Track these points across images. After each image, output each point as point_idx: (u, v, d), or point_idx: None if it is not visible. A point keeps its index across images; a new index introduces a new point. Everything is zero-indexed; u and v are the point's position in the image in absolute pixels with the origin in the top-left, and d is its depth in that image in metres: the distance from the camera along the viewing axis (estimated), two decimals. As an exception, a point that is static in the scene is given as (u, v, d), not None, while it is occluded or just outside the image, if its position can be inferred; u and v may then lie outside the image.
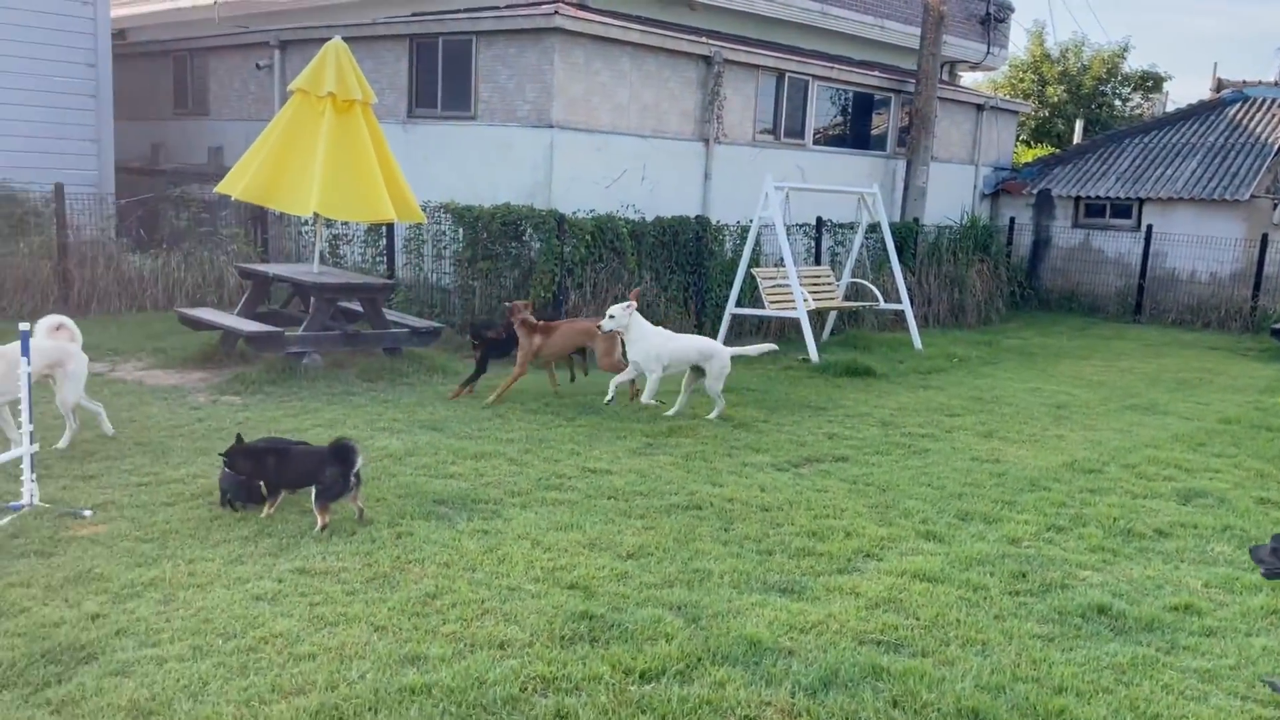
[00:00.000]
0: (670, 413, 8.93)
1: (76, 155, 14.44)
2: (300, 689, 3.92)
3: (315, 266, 10.93)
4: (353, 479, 5.75)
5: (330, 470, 5.69)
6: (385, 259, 13.50)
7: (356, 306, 10.67)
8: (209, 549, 5.35)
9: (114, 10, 15.94)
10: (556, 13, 13.01)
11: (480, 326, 9.77)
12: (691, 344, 9.16)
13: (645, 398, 9.00)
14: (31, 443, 5.82)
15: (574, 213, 12.37)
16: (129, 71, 17.80)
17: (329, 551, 5.38)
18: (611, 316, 8.87)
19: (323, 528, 5.63)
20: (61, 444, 7.06)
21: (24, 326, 5.90)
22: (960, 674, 4.30)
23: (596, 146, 13.85)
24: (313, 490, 5.73)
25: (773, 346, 9.78)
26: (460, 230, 12.61)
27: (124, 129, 15.95)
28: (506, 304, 9.97)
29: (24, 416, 5.79)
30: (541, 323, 9.48)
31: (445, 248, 13.05)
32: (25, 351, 5.78)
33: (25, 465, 5.83)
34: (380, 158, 10.13)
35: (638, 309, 9.06)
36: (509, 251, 12.20)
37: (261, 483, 5.89)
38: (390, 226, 13.17)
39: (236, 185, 10.03)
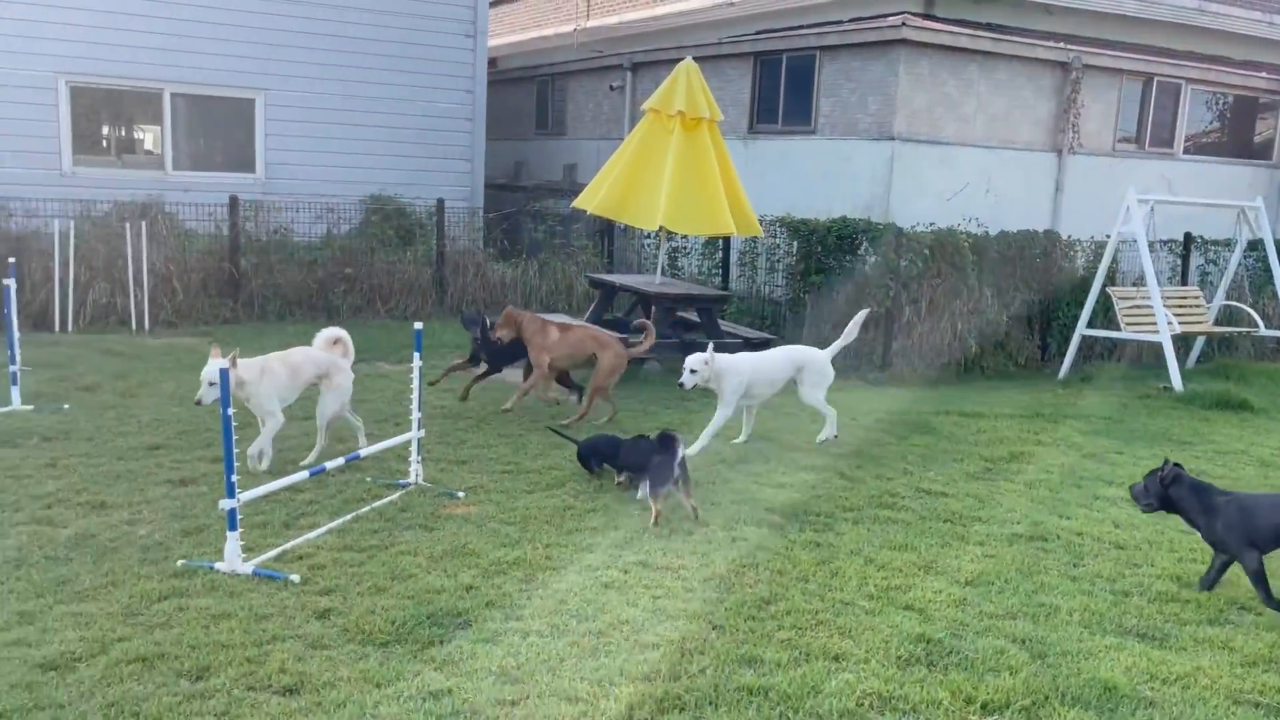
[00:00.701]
0: (740, 440, 8.12)
1: (454, 173, 16.09)
2: (646, 675, 4.15)
3: (657, 277, 11.47)
4: (676, 469, 6.01)
5: (657, 458, 6.06)
6: (720, 271, 13.90)
7: (693, 316, 11.07)
8: (563, 536, 5.78)
9: (489, 41, 17.62)
10: (904, 24, 12.81)
11: (469, 320, 9.04)
12: (778, 357, 8.10)
13: (706, 439, 7.63)
14: (419, 429, 6.58)
15: (912, 226, 12.11)
16: (497, 96, 19.59)
17: (669, 549, 5.64)
18: (693, 371, 7.52)
19: (656, 518, 5.94)
20: (310, 457, 7.02)
21: (419, 326, 6.66)
22: (1362, 754, 3.78)
23: (938, 159, 13.48)
24: (645, 483, 6.13)
25: (864, 313, 8.45)
26: (794, 243, 12.73)
27: (491, 148, 17.55)
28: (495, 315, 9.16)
29: (414, 405, 6.55)
30: (556, 323, 8.88)
31: (779, 261, 13.23)
32: (419, 347, 6.52)
33: (413, 448, 6.61)
34: (724, 173, 10.47)
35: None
36: (843, 265, 12.15)
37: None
38: (727, 240, 13.55)
39: (591, 201, 10.74)
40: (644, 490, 6.16)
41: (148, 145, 15.36)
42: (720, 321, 11.07)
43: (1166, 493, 5.37)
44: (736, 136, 14.82)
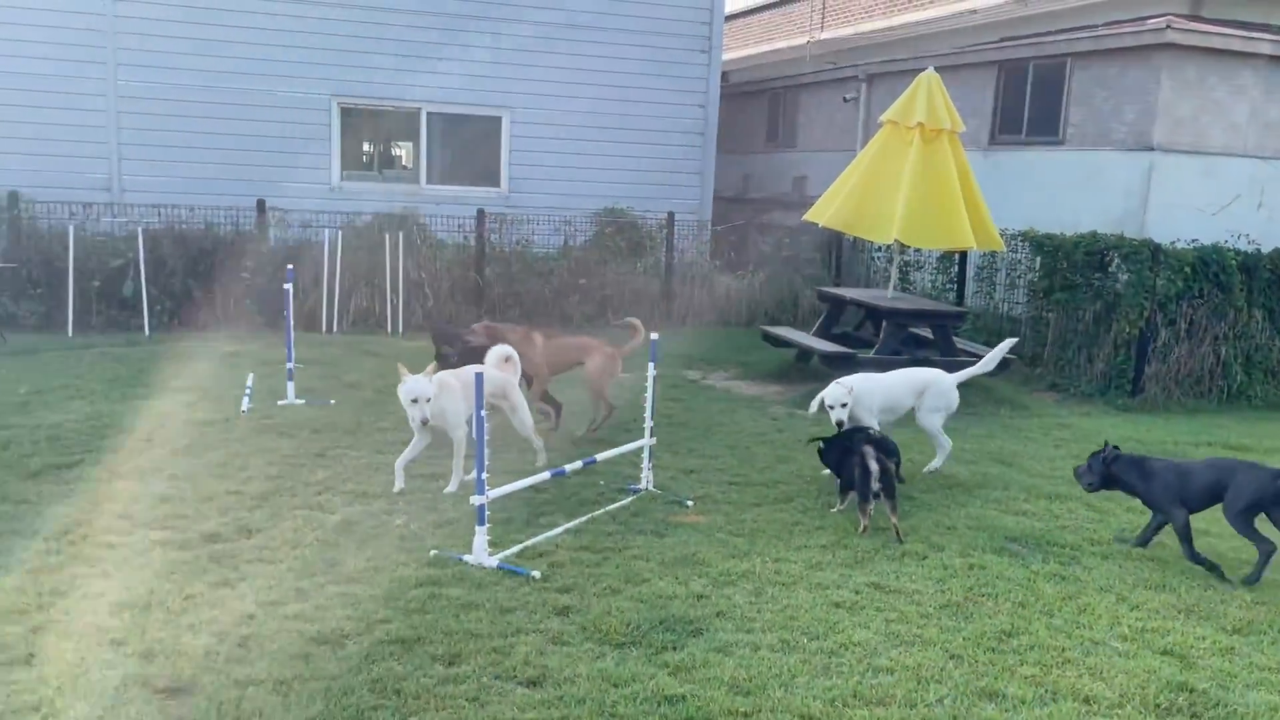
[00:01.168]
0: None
1: (684, 186, 16.36)
2: (880, 700, 4.08)
3: (889, 292, 11.23)
4: (875, 484, 5.89)
5: (858, 471, 6.04)
6: (955, 286, 13.44)
7: (926, 332, 10.76)
8: (792, 551, 5.76)
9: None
10: (1168, 27, 11.98)
11: (445, 334, 8.24)
12: (903, 378, 7.51)
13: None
14: (651, 436, 6.74)
15: (1171, 242, 11.27)
16: (727, 109, 19.75)
17: (902, 572, 5.51)
18: (843, 405, 6.84)
19: (863, 530, 5.98)
20: (539, 461, 7.03)
21: (655, 336, 6.83)
22: None
23: (1202, 170, 12.49)
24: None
25: (1010, 341, 7.93)
26: (1038, 259, 12.12)
27: (720, 161, 17.70)
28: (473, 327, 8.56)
29: (646, 413, 6.72)
30: (540, 331, 8.43)
31: (1020, 277, 12.64)
32: (653, 356, 6.68)
33: (645, 455, 6.77)
34: (964, 186, 10.13)
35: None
36: (1090, 283, 11.46)
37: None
38: (963, 254, 13.09)
39: (823, 214, 10.65)
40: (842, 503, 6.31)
41: (404, 161, 16.50)
42: (956, 339, 10.70)
43: (1108, 470, 6.04)
44: (976, 148, 14.29)
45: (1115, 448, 6.15)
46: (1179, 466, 6.00)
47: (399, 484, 6.54)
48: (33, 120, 13.42)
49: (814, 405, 7.11)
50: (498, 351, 7.05)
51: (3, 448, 7.08)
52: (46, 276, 12.19)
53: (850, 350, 10.39)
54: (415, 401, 6.23)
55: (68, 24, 13.52)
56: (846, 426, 6.79)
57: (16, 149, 13.20)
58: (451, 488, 6.52)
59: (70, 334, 11.79)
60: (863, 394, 7.01)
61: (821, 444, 6.73)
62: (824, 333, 11.33)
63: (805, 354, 11.07)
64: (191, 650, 4.24)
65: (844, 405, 6.84)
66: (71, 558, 5.21)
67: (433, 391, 6.27)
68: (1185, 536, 5.80)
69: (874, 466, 5.99)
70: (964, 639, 4.68)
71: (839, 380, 7.02)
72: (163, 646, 4.25)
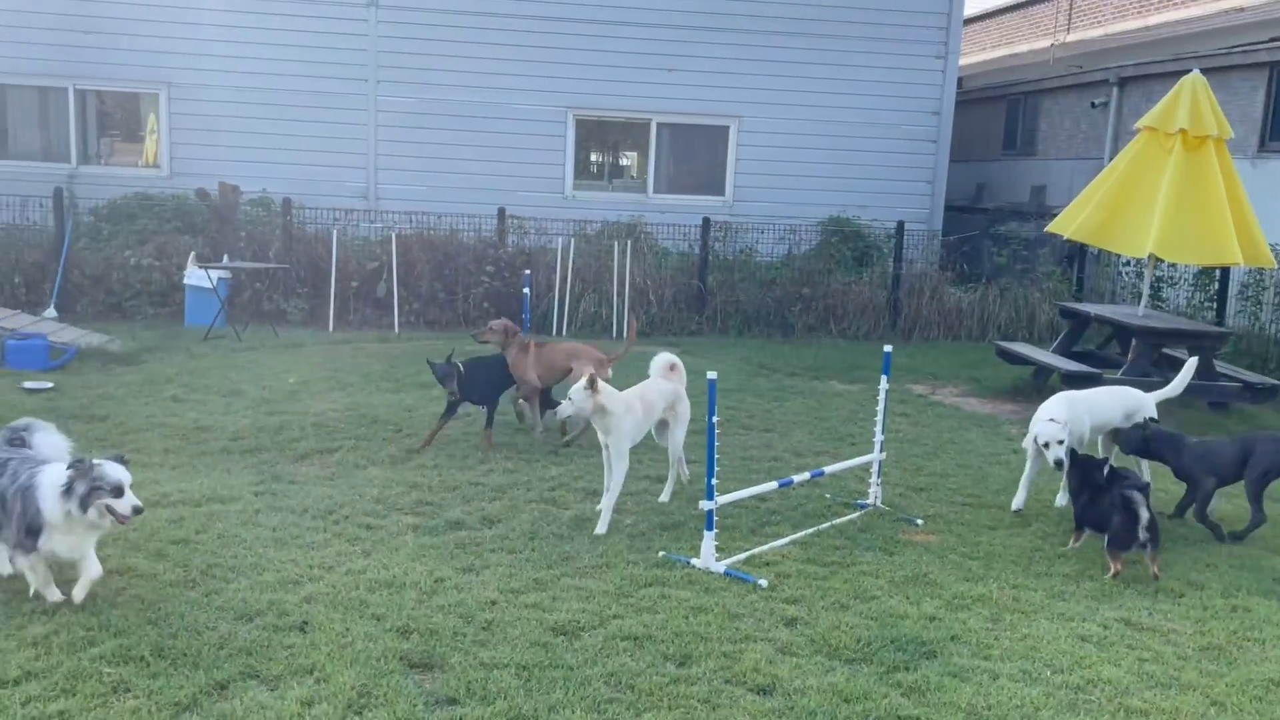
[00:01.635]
0: (1017, 505, 6.68)
1: (914, 195, 15.94)
2: (1134, 743, 3.83)
3: (1140, 309, 10.52)
4: (1142, 533, 5.46)
5: (1118, 517, 5.55)
6: (1214, 305, 12.42)
7: (1181, 354, 9.99)
8: (1032, 579, 5.50)
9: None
10: None
11: (443, 373, 7.65)
12: (1113, 396, 7.02)
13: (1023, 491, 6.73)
14: (880, 451, 6.61)
15: None
16: (961, 116, 19.06)
17: (1155, 608, 5.15)
18: (1058, 443, 6.24)
19: (1114, 574, 5.52)
20: (663, 497, 6.61)
21: (887, 349, 6.69)
22: None
23: None
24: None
25: (1195, 361, 7.41)
26: (1314, 277, 11.03)
27: (952, 169, 17.11)
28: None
29: (877, 427, 6.59)
30: (533, 341, 7.98)
31: (1292, 296, 11.54)
32: (886, 369, 6.54)
33: (874, 470, 6.65)
34: (1231, 197, 9.36)
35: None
36: (1379, 304, 10.33)
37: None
38: (1225, 271, 12.09)
39: (1069, 225, 10.11)
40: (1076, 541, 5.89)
41: (632, 170, 16.91)
42: (1216, 362, 9.88)
43: (1146, 444, 6.60)
44: (1243, 156, 13.15)
45: (1155, 421, 6.79)
46: (1208, 444, 6.68)
47: (601, 528, 5.98)
48: (304, 134, 14.69)
49: (1028, 444, 6.64)
50: (662, 360, 6.68)
51: (276, 432, 7.78)
52: (312, 277, 13.29)
53: (1094, 369, 9.80)
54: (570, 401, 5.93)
55: (336, 44, 14.72)
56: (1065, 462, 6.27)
57: (290, 159, 14.48)
58: (600, 528, 5.91)
59: (331, 330, 12.82)
60: (1072, 419, 6.48)
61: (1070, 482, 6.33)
62: (1064, 350, 10.75)
63: (1043, 372, 10.54)
64: (442, 630, 4.51)
65: (1060, 443, 6.27)
66: (335, 535, 5.66)
67: (586, 400, 5.87)
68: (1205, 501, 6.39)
69: (1144, 515, 5.55)
70: (1227, 685, 4.32)
71: (1051, 417, 6.44)
72: (416, 624, 4.55)
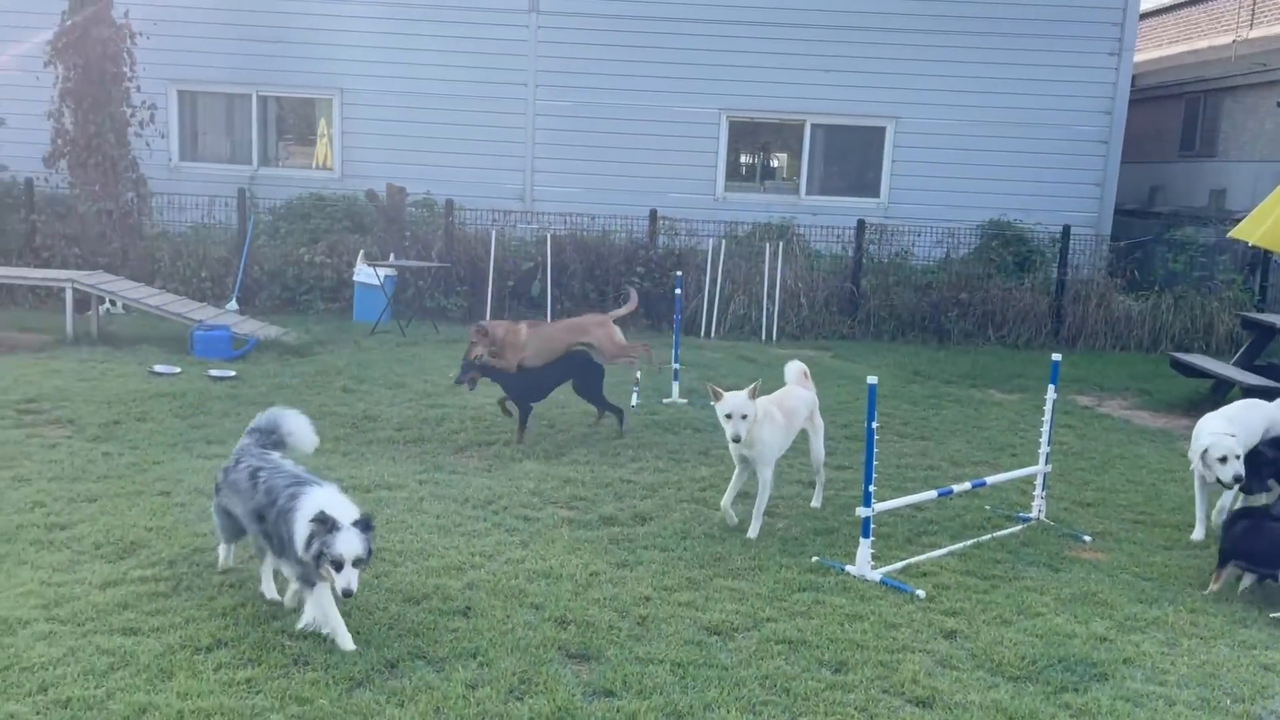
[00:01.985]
0: (1197, 537, 6.09)
1: (1081, 198, 15.28)
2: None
3: (1334, 321, 9.80)
4: None
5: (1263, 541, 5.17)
6: None
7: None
8: (1210, 603, 5.20)
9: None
10: None
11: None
12: (1256, 413, 6.48)
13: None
14: (1046, 463, 6.37)
15: None
16: (1134, 115, 18.15)
17: (1352, 643, 4.78)
18: (1236, 458, 5.80)
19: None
20: (815, 503, 6.51)
21: (1057, 357, 6.43)
22: None
23: None
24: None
25: None
26: None
27: (1123, 171, 16.32)
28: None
29: (1043, 439, 6.35)
30: (527, 321, 7.35)
31: None
32: (1054, 379, 6.30)
33: (1038, 483, 6.41)
34: None
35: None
36: None
37: None
38: None
39: (1253, 231, 9.47)
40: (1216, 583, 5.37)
41: (783, 172, 16.79)
42: None
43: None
44: None
45: None
46: None
47: (730, 520, 6.02)
48: (466, 138, 15.20)
49: (1194, 456, 6.13)
50: (797, 367, 6.44)
51: (437, 424, 8.08)
52: (471, 276, 13.72)
53: (1278, 384, 9.18)
54: (730, 417, 5.67)
55: (497, 50, 15.17)
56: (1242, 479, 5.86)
57: (452, 163, 15.02)
58: (752, 532, 5.86)
59: (486, 327, 13.19)
60: (1242, 432, 6.07)
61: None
62: (1246, 362, 10.11)
63: (1222, 385, 9.94)
64: (598, 622, 4.60)
65: (1238, 457, 5.84)
66: (495, 525, 5.84)
67: (753, 410, 5.70)
68: None
69: None
70: None
71: (1225, 431, 5.99)
72: (574, 615, 4.65)
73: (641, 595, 4.95)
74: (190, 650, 4.14)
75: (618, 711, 3.84)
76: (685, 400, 9.35)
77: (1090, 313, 13.63)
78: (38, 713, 3.65)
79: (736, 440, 5.74)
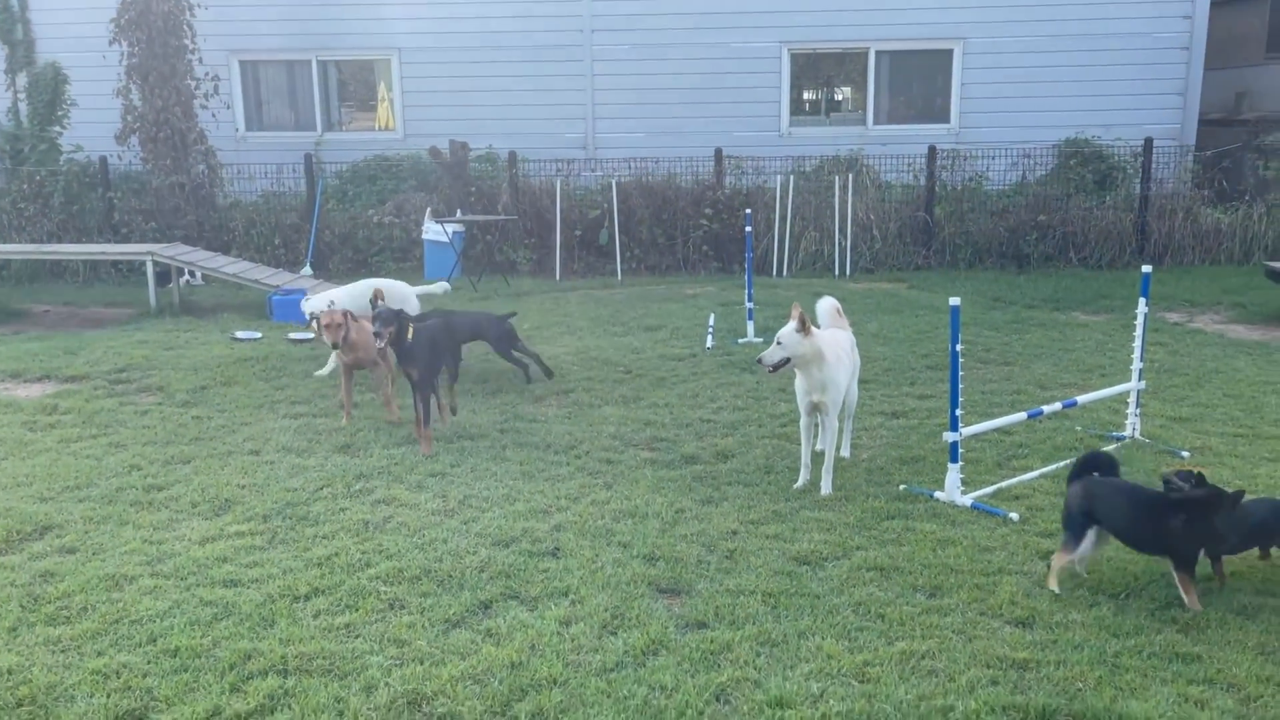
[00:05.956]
0: None
1: (1162, 109, 14.64)
2: None
3: None
4: None
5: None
6: None
7: None
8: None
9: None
10: None
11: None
12: None
13: None
14: (1139, 380, 6.15)
15: None
16: (1215, 18, 17.26)
17: None
18: None
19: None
20: (844, 450, 5.98)
21: (1146, 269, 6.19)
22: None
23: None
24: None
25: None
26: None
27: (1206, 79, 15.56)
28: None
29: (1135, 355, 6.14)
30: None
31: None
32: (1145, 292, 6.06)
33: (1131, 400, 6.21)
34: None
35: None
36: None
37: None
38: None
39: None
40: None
41: (849, 104, 16.38)
42: None
43: None
44: None
45: None
46: None
47: (804, 478, 5.55)
48: (526, 89, 15.08)
49: None
50: (829, 304, 6.03)
51: (514, 374, 8.11)
52: (538, 227, 13.72)
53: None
54: (780, 344, 5.28)
55: (552, -2, 14.99)
56: None
57: (514, 115, 14.94)
58: (825, 489, 5.41)
59: (558, 278, 13.21)
60: None
61: None
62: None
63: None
64: (686, 557, 4.59)
65: None
66: (578, 469, 5.85)
67: (799, 346, 5.24)
68: None
69: None
70: None
71: None
72: (661, 552, 4.64)
73: (728, 530, 4.92)
74: (289, 599, 4.24)
75: (711, 642, 3.83)
76: (760, 339, 9.25)
77: (1177, 228, 13.13)
78: (148, 662, 3.77)
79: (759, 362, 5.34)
